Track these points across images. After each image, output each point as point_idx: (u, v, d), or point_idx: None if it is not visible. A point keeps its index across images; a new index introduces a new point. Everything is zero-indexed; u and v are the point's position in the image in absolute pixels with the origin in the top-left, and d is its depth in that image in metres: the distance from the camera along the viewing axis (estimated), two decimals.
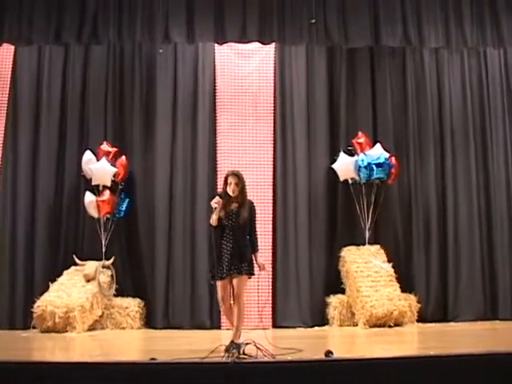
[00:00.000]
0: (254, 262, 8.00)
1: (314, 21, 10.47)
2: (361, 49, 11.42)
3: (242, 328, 7.93)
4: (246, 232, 7.96)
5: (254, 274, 7.98)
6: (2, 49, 11.20)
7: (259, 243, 8.23)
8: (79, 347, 9.18)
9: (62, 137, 11.38)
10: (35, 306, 10.16)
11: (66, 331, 9.97)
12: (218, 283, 7.94)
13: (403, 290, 10.60)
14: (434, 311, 11.02)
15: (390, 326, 10.10)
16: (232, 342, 7.57)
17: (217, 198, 7.94)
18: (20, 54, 11.44)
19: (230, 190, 7.96)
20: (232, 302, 7.97)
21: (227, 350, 7.27)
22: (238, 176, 8.04)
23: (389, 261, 10.84)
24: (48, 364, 6.40)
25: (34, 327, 10.25)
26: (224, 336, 9.67)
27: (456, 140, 11.55)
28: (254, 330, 9.86)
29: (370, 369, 5.78)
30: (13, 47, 11.27)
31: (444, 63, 11.73)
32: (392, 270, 10.71)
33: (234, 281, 7.87)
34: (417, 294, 10.85)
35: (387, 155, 11.07)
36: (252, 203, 8.16)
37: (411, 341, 9.50)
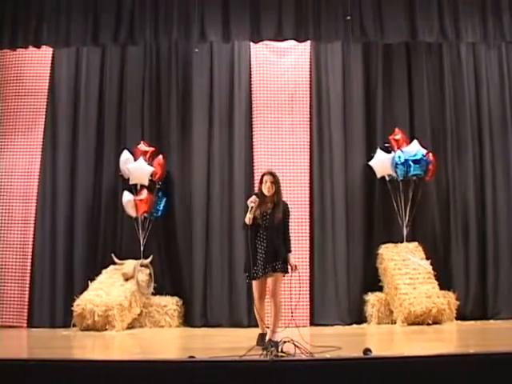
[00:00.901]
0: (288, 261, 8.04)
1: (349, 17, 10.41)
2: (397, 45, 11.35)
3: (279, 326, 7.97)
4: (280, 232, 8.00)
5: (288, 273, 8.03)
6: (40, 51, 11.32)
7: (292, 244, 8.30)
8: (118, 345, 9.27)
9: (100, 137, 11.49)
10: (75, 304, 10.27)
11: (106, 329, 10.06)
12: (254, 283, 8.01)
13: (441, 288, 10.52)
14: (473, 309, 10.90)
15: (428, 324, 10.03)
16: (270, 339, 7.64)
17: (253, 197, 7.96)
18: (58, 55, 11.55)
19: (265, 189, 8.00)
20: (269, 300, 8.01)
21: (265, 348, 7.30)
22: (273, 175, 8.08)
23: (427, 258, 10.76)
24: (88, 362, 6.46)
25: (74, 325, 10.35)
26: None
27: (494, 135, 11.42)
28: (289, 327, 9.86)
29: (409, 367, 5.74)
30: (51, 49, 11.39)
31: (481, 58, 11.59)
32: (430, 268, 10.64)
33: (270, 279, 7.92)
34: (455, 291, 10.76)
35: (424, 152, 11.00)
36: (286, 204, 8.20)
37: (450, 339, 9.44)
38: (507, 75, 11.56)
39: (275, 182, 8.05)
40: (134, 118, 11.50)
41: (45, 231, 11.23)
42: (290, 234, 8.26)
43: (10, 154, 11.42)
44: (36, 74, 11.52)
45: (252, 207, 7.87)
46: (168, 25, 10.60)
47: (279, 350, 7.01)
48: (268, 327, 8.04)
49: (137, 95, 11.55)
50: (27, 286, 11.02)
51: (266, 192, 8.01)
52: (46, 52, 11.44)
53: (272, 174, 8.12)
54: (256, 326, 10.47)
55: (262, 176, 8.13)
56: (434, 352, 7.24)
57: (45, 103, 11.46)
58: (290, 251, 8.10)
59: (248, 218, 7.91)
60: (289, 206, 8.29)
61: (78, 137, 11.46)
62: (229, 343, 8.64)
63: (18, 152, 11.40)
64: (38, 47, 10.98)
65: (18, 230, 11.19)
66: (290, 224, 8.24)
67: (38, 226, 11.21)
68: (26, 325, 10.90)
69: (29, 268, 11.06)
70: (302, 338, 7.33)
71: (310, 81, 11.42)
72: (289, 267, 8.03)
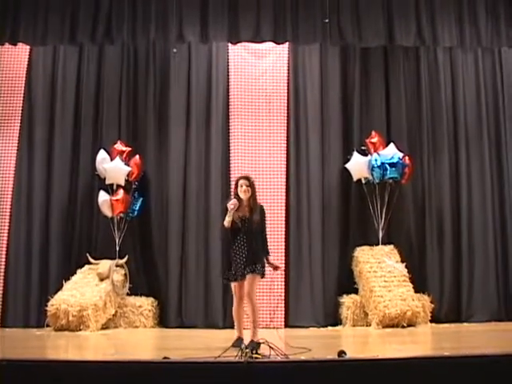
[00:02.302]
0: (267, 264, 8.10)
1: (327, 20, 10.44)
2: (374, 48, 11.38)
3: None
4: (259, 235, 8.07)
5: (264, 275, 8.08)
6: (17, 48, 11.24)
7: (269, 245, 8.32)
8: (93, 346, 9.22)
9: (76, 136, 11.43)
10: (49, 304, 10.21)
11: (80, 330, 10.01)
12: (234, 285, 8.11)
13: (416, 291, 10.57)
14: (448, 312, 10.98)
15: (403, 327, 10.07)
16: (252, 340, 7.76)
17: (234, 200, 8.05)
18: (35, 53, 11.50)
19: (241, 193, 8.09)
20: (246, 301, 8.04)
21: (245, 348, 7.31)
22: (248, 179, 8.19)
23: (402, 261, 10.81)
24: (61, 362, 6.43)
25: (47, 325, 10.29)
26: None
27: (470, 140, 11.50)
28: (266, 329, 9.87)
29: (383, 369, 5.77)
30: (28, 47, 11.33)
31: (458, 62, 11.68)
32: (405, 270, 10.68)
33: (247, 280, 7.95)
34: (430, 294, 10.82)
35: (401, 155, 11.04)
36: (262, 207, 8.29)
37: (424, 341, 9.47)
38: (483, 79, 11.66)
39: (250, 185, 8.14)
40: (111, 118, 11.45)
41: (19, 230, 11.14)
42: (267, 236, 8.28)
43: None
44: (12, 72, 11.46)
45: (231, 210, 7.93)
46: (146, 24, 10.56)
47: (254, 351, 7.01)
48: (245, 328, 8.08)
49: (114, 95, 11.50)
50: (1, 285, 10.93)
51: (242, 196, 8.08)
52: (23, 50, 11.36)
53: (247, 178, 8.23)
54: (232, 327, 10.51)
55: (238, 180, 8.22)
56: (408, 354, 7.27)
57: (21, 101, 11.39)
58: (268, 253, 8.17)
59: (227, 222, 7.98)
60: (265, 208, 8.35)
61: (54, 136, 11.40)
62: (204, 344, 8.62)
63: None
64: (15, 44, 10.88)
65: None
66: (266, 226, 8.29)
67: (12, 225, 11.13)
68: None
69: (3, 267, 10.97)
70: (281, 339, 7.35)
71: (288, 83, 11.44)
72: (266, 269, 8.06)
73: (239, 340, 8.01)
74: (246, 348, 7.20)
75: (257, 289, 8.13)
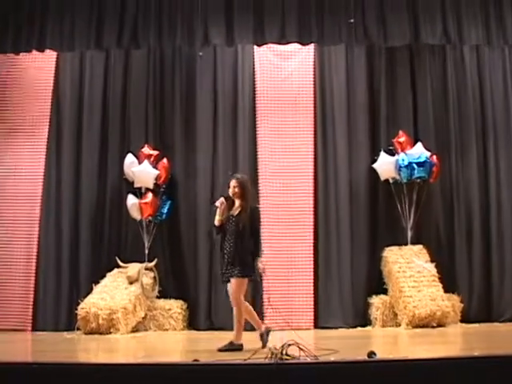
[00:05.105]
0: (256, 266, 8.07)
1: (352, 20, 10.41)
2: (400, 47, 11.31)
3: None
4: (245, 237, 8.04)
5: (249, 276, 8.07)
6: (44, 55, 11.34)
7: (262, 248, 8.44)
8: (123, 349, 9.27)
9: (104, 140, 11.52)
10: (79, 307, 10.29)
11: (110, 333, 10.08)
12: (228, 285, 8.14)
13: (446, 290, 10.50)
14: (478, 311, 10.88)
15: (432, 327, 10.02)
16: (231, 342, 7.96)
17: (221, 198, 8.18)
18: (62, 59, 11.59)
19: (230, 193, 8.20)
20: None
21: (226, 349, 7.78)
22: (237, 180, 8.26)
23: (431, 261, 10.75)
24: (92, 365, 6.47)
25: (78, 329, 10.37)
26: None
27: (498, 137, 11.40)
28: (296, 330, 9.86)
29: (413, 370, 5.74)
30: (55, 53, 11.41)
31: (485, 60, 11.58)
32: (434, 270, 10.62)
33: (228, 284, 8.04)
34: (460, 294, 10.75)
35: (428, 154, 10.99)
36: (255, 209, 8.32)
37: (455, 341, 9.41)
38: (510, 77, 11.55)
39: (239, 186, 8.19)
40: (138, 122, 11.53)
41: (49, 235, 11.25)
42: (260, 238, 8.26)
43: (14, 157, 11.47)
44: (40, 78, 11.56)
45: (217, 208, 8.10)
46: (172, 28, 10.59)
47: (283, 352, 7.00)
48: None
49: (140, 99, 11.57)
50: (32, 289, 11.04)
51: (231, 195, 8.18)
52: (50, 56, 11.46)
53: (237, 178, 8.31)
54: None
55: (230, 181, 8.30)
56: (438, 355, 7.22)
57: (49, 107, 11.49)
58: (259, 255, 8.11)
59: (217, 220, 8.15)
60: (259, 210, 8.48)
61: (82, 140, 11.49)
62: (232, 352, 8.62)
63: (23, 155, 11.45)
64: (42, 51, 10.97)
65: (23, 233, 11.22)
66: (259, 228, 8.28)
67: (42, 230, 11.23)
68: (30, 328, 10.91)
69: (33, 272, 11.07)
70: (298, 340, 7.32)
71: (314, 84, 11.42)
72: (258, 269, 8.07)
73: (264, 332, 8.07)
74: (235, 349, 7.70)
75: (239, 292, 8.01)
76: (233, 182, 8.22)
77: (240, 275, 7.96)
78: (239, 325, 8.09)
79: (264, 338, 7.98)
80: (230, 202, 8.20)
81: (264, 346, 7.83)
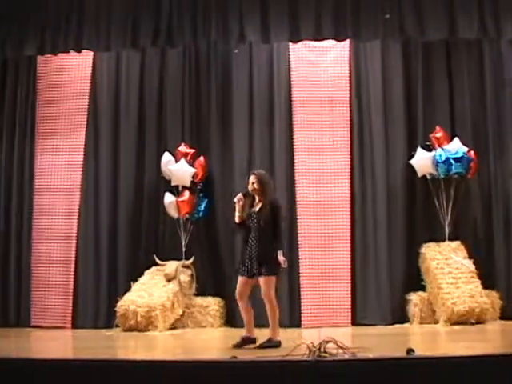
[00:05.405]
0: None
1: (388, 15, 10.35)
2: (436, 43, 11.22)
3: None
4: (269, 232, 8.04)
5: (274, 274, 8.06)
6: (81, 56, 11.44)
7: (283, 242, 8.48)
8: (161, 346, 9.34)
9: (141, 139, 11.60)
10: (118, 305, 10.38)
11: (148, 330, 10.15)
12: (239, 278, 8.14)
13: (485, 287, 10.39)
14: None
15: (471, 324, 9.93)
16: (270, 338, 8.00)
17: (239, 194, 8.18)
18: (98, 59, 11.69)
19: (249, 189, 8.18)
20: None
21: (266, 346, 7.80)
22: (256, 175, 8.24)
23: (469, 257, 10.64)
24: (131, 362, 6.53)
25: (117, 326, 10.47)
26: (304, 334, 9.71)
27: None
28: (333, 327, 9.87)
29: (452, 367, 5.70)
30: (91, 53, 11.51)
31: None
32: (473, 267, 10.52)
33: (260, 282, 8.04)
34: (499, 290, 10.64)
35: (466, 149, 10.89)
36: (274, 202, 8.24)
37: (494, 339, 9.33)
38: None
39: (258, 182, 8.17)
40: (175, 120, 11.59)
41: (88, 233, 11.38)
42: (280, 232, 8.23)
43: (51, 157, 11.60)
44: (77, 78, 11.66)
45: (236, 204, 8.11)
46: (206, 26, 10.58)
47: (321, 349, 7.00)
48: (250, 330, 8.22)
49: (176, 97, 11.63)
50: (71, 287, 11.17)
51: (250, 191, 8.18)
52: (87, 56, 11.56)
53: (255, 173, 8.31)
54: (298, 326, 10.51)
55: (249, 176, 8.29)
56: (477, 352, 7.17)
57: (86, 107, 11.58)
58: (279, 248, 8.07)
59: (237, 217, 8.16)
60: (279, 204, 8.40)
61: (120, 140, 11.59)
62: (272, 348, 8.63)
63: (60, 155, 11.57)
64: (79, 51, 11.07)
65: (61, 232, 11.36)
66: (280, 222, 8.22)
67: (81, 229, 11.36)
68: (70, 325, 11.04)
69: (73, 270, 11.20)
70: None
71: (350, 80, 11.37)
72: (279, 268, 8.08)
73: (245, 340, 8.09)
74: (272, 346, 7.76)
75: (271, 289, 8.04)
76: (251, 178, 8.22)
77: (267, 274, 7.96)
78: (274, 321, 8.11)
79: (247, 343, 8.02)
80: (250, 199, 8.20)
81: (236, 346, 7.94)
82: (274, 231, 8.08)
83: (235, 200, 8.18)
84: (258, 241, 8.03)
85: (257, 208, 8.15)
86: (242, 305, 8.20)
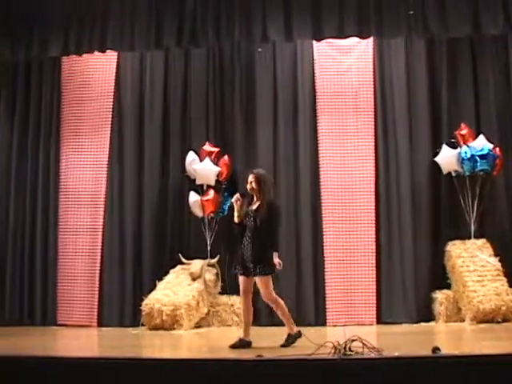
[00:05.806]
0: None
1: (411, 12, 10.31)
2: (461, 38, 11.14)
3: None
4: (264, 232, 7.98)
5: (273, 272, 8.06)
6: (105, 56, 11.51)
7: (279, 244, 8.42)
8: (186, 344, 9.37)
9: (166, 139, 11.65)
10: (143, 303, 10.44)
11: (174, 328, 10.19)
12: (240, 278, 8.18)
13: (511, 285, 10.32)
14: None
15: (498, 322, 9.86)
16: (289, 334, 8.04)
17: (237, 194, 8.15)
18: (122, 59, 11.75)
19: (248, 189, 8.15)
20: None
21: (289, 342, 7.91)
22: (254, 174, 8.17)
23: (495, 255, 10.57)
24: (157, 360, 6.56)
25: (142, 324, 10.52)
26: (330, 332, 9.71)
27: None
28: (358, 326, 9.85)
29: (479, 365, 5.67)
30: (116, 54, 11.58)
31: None
32: (499, 264, 10.45)
33: (257, 282, 8.05)
34: None
35: (491, 146, 10.82)
36: (273, 204, 8.17)
37: None
38: None
39: (255, 181, 8.11)
40: (199, 119, 11.62)
41: (113, 232, 11.45)
42: (277, 233, 8.24)
43: (76, 156, 11.69)
44: (102, 79, 11.73)
45: (235, 204, 8.08)
46: (230, 26, 10.62)
47: (347, 348, 6.98)
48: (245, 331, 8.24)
49: (200, 96, 11.66)
50: (97, 286, 11.24)
51: (249, 191, 8.14)
52: (111, 57, 11.63)
53: (254, 173, 8.23)
54: (323, 324, 10.48)
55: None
56: (503, 351, 7.12)
57: (111, 107, 11.65)
58: (275, 250, 8.02)
59: (235, 217, 8.12)
60: (277, 205, 8.39)
61: (144, 139, 11.65)
62: (296, 342, 8.63)
63: (85, 155, 11.65)
64: (103, 52, 11.14)
65: (87, 232, 11.44)
66: (277, 224, 8.22)
67: (106, 228, 11.43)
68: (95, 324, 11.12)
69: (98, 269, 11.28)
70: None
71: (374, 77, 11.34)
72: (273, 268, 8.04)
73: (241, 341, 8.11)
74: (291, 342, 7.83)
75: (269, 288, 8.05)
76: (250, 178, 8.17)
77: (262, 274, 7.95)
78: (285, 317, 8.14)
79: (243, 344, 8.03)
80: (249, 198, 8.17)
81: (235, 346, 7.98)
82: (270, 231, 8.02)
83: (233, 200, 8.15)
84: (253, 240, 8.00)
85: (254, 207, 8.11)
86: (246, 303, 8.20)
